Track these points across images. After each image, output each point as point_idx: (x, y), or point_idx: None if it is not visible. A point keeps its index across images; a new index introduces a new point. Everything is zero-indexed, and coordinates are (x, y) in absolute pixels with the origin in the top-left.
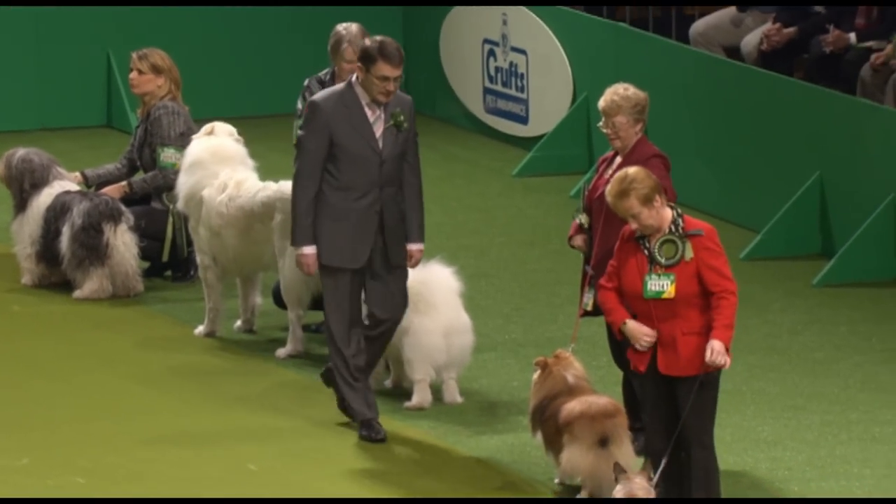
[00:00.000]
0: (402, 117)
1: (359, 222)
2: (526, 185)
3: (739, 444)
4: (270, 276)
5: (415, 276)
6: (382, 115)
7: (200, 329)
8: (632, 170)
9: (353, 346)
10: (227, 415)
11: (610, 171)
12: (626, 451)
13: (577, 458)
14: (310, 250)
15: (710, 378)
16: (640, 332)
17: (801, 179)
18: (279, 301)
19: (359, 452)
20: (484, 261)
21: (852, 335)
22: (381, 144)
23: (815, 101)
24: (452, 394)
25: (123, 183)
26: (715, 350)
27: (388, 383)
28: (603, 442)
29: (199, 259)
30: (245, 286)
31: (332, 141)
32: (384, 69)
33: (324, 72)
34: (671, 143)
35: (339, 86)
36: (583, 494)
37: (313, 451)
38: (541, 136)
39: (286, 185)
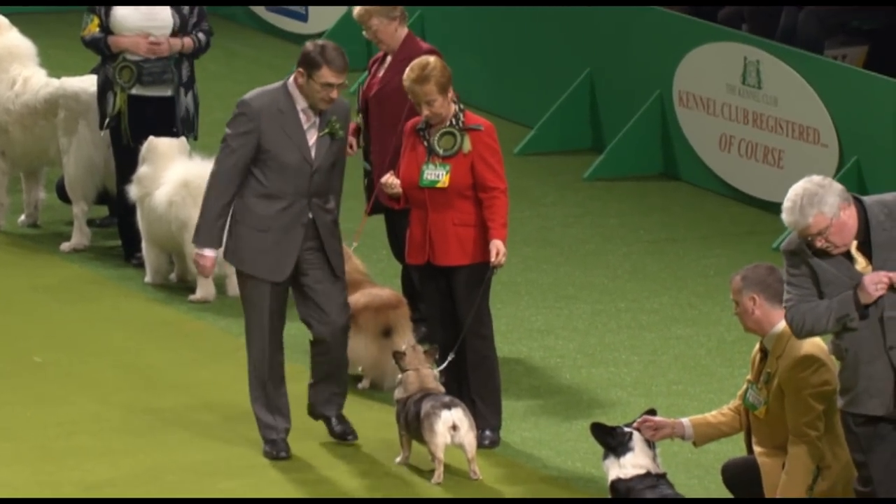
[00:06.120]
0: (338, 125)
1: (283, 234)
2: None
3: (514, 333)
4: (55, 170)
5: (192, 169)
6: (318, 122)
7: None
8: (431, 58)
9: (267, 366)
10: (11, 307)
11: (382, 71)
12: (408, 341)
13: (361, 349)
14: (210, 253)
15: (484, 271)
16: (393, 179)
17: (572, 76)
18: (63, 196)
19: (143, 346)
20: None
21: (621, 227)
22: (313, 153)
23: None
24: (235, 287)
25: None
26: (501, 252)
27: (172, 277)
28: (386, 332)
29: None
30: (28, 180)
31: (260, 146)
32: (328, 76)
33: None
34: (444, 40)
35: (274, 86)
36: (364, 384)
37: (94, 341)
38: (320, 34)
39: (68, 82)
